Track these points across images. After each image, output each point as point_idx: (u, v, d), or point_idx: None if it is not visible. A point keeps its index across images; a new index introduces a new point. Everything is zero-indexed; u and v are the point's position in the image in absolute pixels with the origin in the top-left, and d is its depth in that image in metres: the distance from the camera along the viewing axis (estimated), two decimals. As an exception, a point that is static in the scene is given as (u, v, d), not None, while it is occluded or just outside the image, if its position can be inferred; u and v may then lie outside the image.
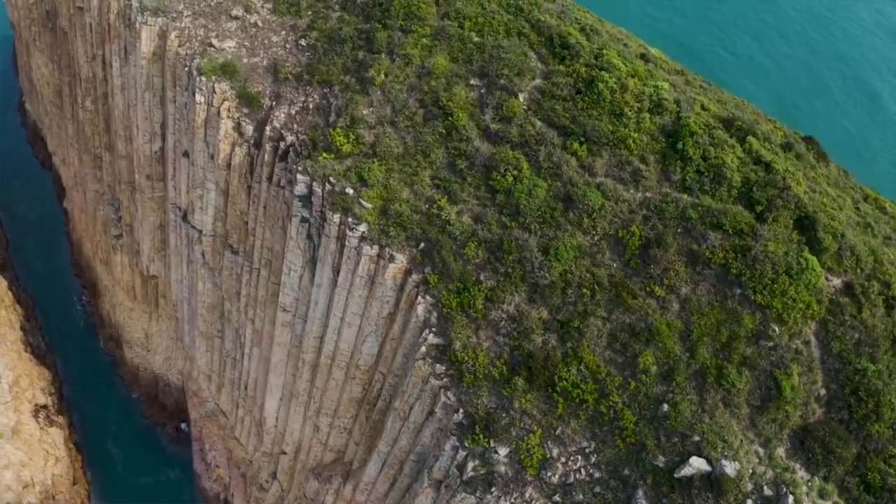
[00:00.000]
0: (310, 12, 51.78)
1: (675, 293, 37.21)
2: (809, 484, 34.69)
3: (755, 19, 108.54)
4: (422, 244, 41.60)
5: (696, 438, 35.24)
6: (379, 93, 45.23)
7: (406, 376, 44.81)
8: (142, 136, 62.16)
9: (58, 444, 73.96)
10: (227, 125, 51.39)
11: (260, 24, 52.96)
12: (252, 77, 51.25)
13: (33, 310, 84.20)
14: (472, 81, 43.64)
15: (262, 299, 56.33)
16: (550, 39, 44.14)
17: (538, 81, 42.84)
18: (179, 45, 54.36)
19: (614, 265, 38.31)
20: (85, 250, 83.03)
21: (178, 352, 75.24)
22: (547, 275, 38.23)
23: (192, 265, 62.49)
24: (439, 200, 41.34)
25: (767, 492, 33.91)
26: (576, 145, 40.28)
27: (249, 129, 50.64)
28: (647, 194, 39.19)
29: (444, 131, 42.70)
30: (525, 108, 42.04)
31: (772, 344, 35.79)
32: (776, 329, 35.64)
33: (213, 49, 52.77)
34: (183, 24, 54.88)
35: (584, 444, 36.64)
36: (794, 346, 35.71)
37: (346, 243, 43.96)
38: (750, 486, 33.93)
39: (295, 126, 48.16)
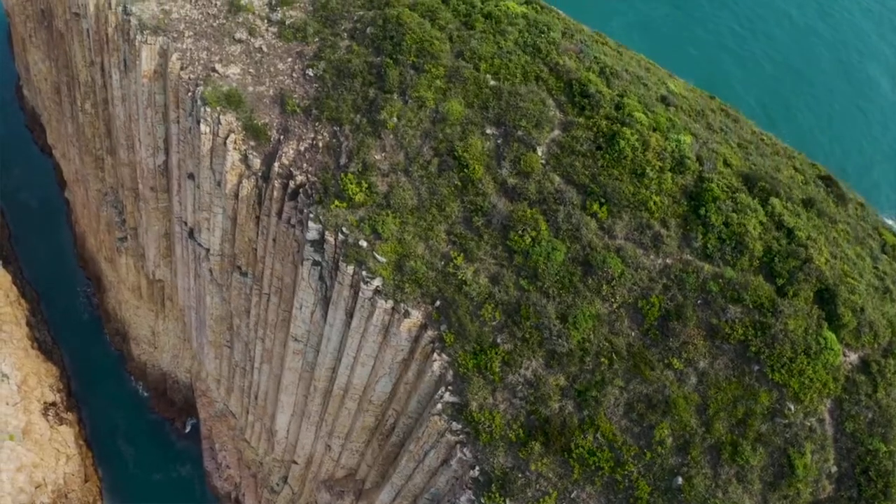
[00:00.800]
0: (317, 39, 50.00)
1: (693, 366, 37.19)
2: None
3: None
4: (437, 301, 41.28)
5: (710, 512, 35.80)
6: (391, 137, 44.11)
7: (420, 422, 45.14)
8: (144, 150, 60.91)
9: (68, 442, 74.89)
10: (233, 157, 50.30)
11: (265, 49, 51.20)
12: (258, 107, 49.87)
13: (38, 303, 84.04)
14: (488, 130, 42.48)
15: (273, 322, 56.20)
16: (570, 86, 42.75)
17: (557, 133, 41.73)
18: (182, 68, 52.72)
19: (633, 334, 38.14)
20: (88, 244, 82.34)
21: (186, 351, 75.53)
22: (565, 343, 38.09)
23: (199, 279, 62.14)
24: (455, 258, 40.82)
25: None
26: (595, 206, 39.56)
27: (257, 163, 49.57)
28: (668, 261, 38.71)
29: (459, 183, 41.84)
30: (543, 162, 41.09)
31: (787, 422, 36.01)
32: (792, 407, 35.81)
33: (216, 75, 51.21)
34: (185, 46, 53.09)
35: (600, 510, 37.22)
36: (809, 424, 35.95)
37: (360, 293, 43.59)
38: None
39: (304, 165, 47.12)
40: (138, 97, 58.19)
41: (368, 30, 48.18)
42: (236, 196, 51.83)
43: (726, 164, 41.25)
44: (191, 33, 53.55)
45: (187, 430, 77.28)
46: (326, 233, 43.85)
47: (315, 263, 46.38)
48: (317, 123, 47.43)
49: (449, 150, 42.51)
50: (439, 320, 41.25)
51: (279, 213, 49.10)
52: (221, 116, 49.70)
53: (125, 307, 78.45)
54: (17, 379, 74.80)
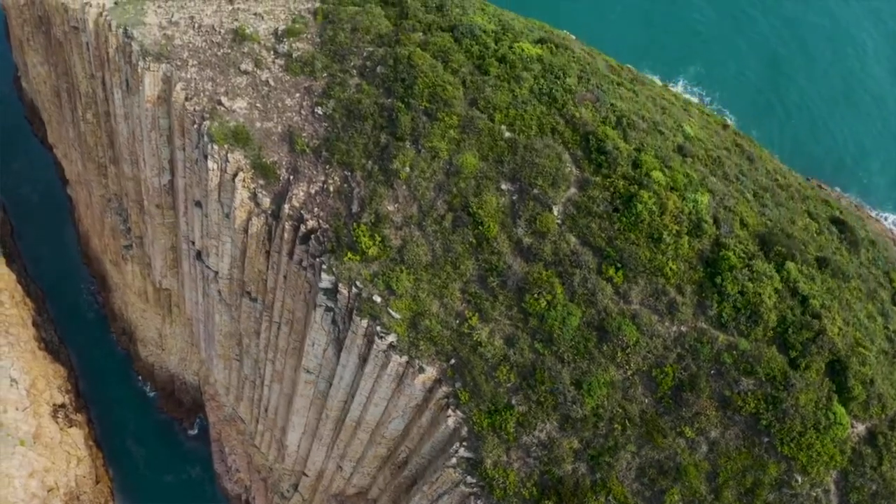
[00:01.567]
0: (325, 74, 49.02)
1: (705, 435, 37.81)
2: None
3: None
4: (452, 360, 41.58)
5: (719, 576, 36.90)
6: (404, 187, 43.71)
7: (434, 468, 45.91)
8: (149, 170, 60.27)
9: (78, 443, 75.92)
10: (242, 194, 49.89)
11: (272, 82, 50.22)
12: (266, 145, 49.22)
13: (43, 301, 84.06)
14: (503, 186, 42.11)
15: (283, 348, 56.55)
16: (586, 139, 42.21)
17: (573, 191, 41.40)
18: (186, 99, 51.86)
19: (646, 401, 38.63)
20: (93, 244, 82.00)
21: (194, 355, 76.04)
22: (579, 409, 38.59)
23: (207, 297, 62.23)
24: (470, 318, 40.97)
25: None
26: (611, 271, 39.56)
27: (266, 201, 49.18)
28: (683, 328, 38.93)
29: (474, 241, 41.69)
30: (559, 222, 40.89)
31: (793, 492, 36.84)
32: (799, 479, 36.60)
33: (222, 108, 50.41)
34: (189, 75, 52.08)
35: (611, 569, 38.31)
36: (815, 495, 36.82)
37: (374, 345, 43.84)
38: None
39: (315, 209, 46.76)
40: (142, 120, 57.30)
41: (379, 68, 47.22)
42: (245, 231, 51.57)
43: (743, 224, 41.09)
44: (195, 62, 52.45)
45: (195, 431, 78.19)
46: (340, 284, 43.84)
47: (328, 309, 46.49)
48: (327, 166, 46.90)
49: (463, 206, 42.21)
50: (454, 377, 41.65)
51: (290, 254, 48.95)
52: (229, 154, 49.10)
53: (131, 309, 78.63)
54: (26, 383, 75.40)
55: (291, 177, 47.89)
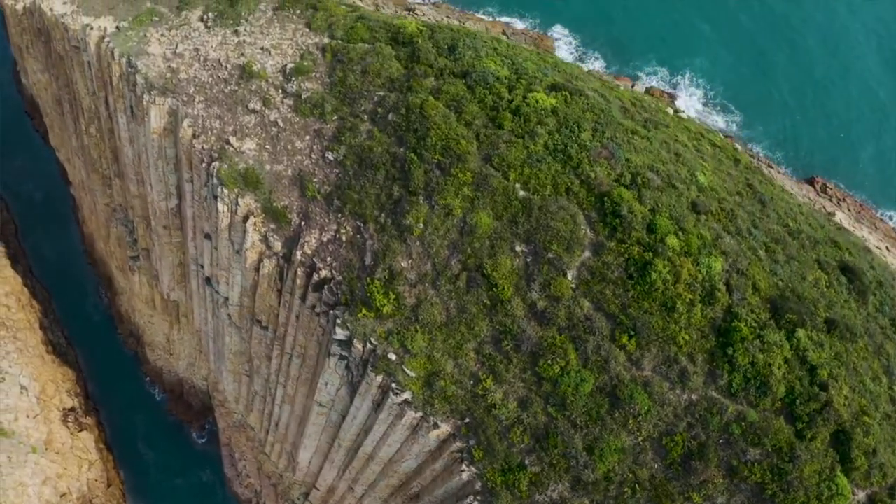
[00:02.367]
0: (335, 117, 48.53)
1: (712, 501, 38.87)
2: None
3: None
4: (466, 419, 42.34)
5: None
6: (418, 244, 43.79)
7: (446, 512, 47.21)
8: (156, 194, 60.06)
9: (89, 447, 77.26)
10: (253, 237, 49.91)
11: (281, 123, 49.74)
12: (277, 188, 49.04)
13: (49, 302, 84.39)
14: (517, 247, 42.24)
15: (295, 376, 57.23)
16: (601, 200, 42.22)
17: (588, 255, 41.58)
18: (194, 136, 51.45)
19: (656, 466, 39.56)
20: (98, 248, 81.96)
21: (203, 361, 76.80)
22: (591, 474, 39.55)
23: (217, 318, 62.64)
24: (484, 380, 41.60)
25: None
26: (625, 339, 40.07)
27: (278, 245, 49.25)
28: (693, 397, 39.64)
29: (488, 302, 42.03)
30: (573, 287, 41.18)
31: (797, 559, 38.17)
32: (802, 546, 37.85)
33: (231, 149, 50.02)
34: (196, 112, 51.56)
35: None
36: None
37: (389, 399, 44.51)
38: None
39: (328, 258, 46.87)
40: (148, 148, 56.87)
41: (390, 116, 46.77)
42: (257, 270, 51.72)
43: (755, 288, 41.45)
44: (201, 98, 51.83)
45: (205, 438, 79.44)
46: (355, 340, 44.28)
47: (342, 357, 47.03)
48: (339, 215, 46.86)
49: (477, 266, 42.41)
50: (468, 435, 42.48)
51: (303, 298, 49.22)
52: (240, 199, 48.96)
53: (138, 314, 79.06)
54: (36, 390, 76.33)
55: (303, 222, 47.87)
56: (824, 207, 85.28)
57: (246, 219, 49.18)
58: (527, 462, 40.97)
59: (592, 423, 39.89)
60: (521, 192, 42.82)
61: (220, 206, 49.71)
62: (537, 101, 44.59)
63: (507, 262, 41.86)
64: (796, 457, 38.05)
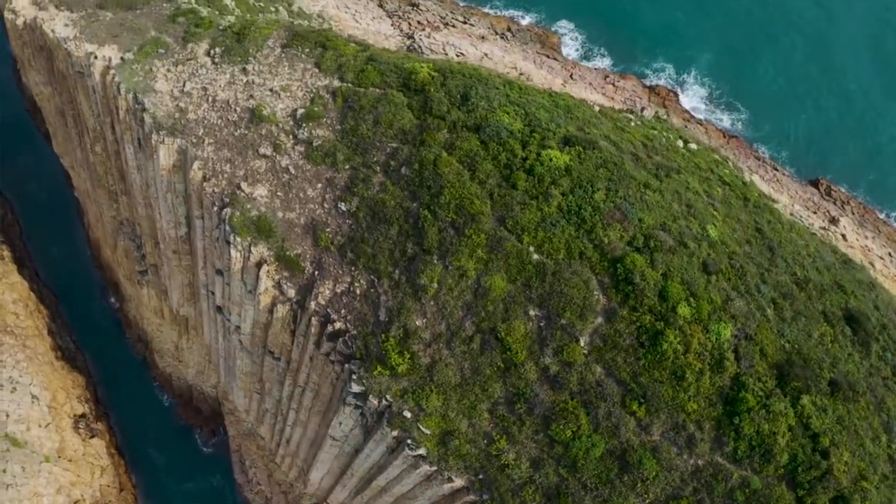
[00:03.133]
0: (347, 167, 48.40)
1: (717, 565, 40.30)
2: None
3: None
4: (480, 475, 43.42)
5: None
6: (432, 303, 44.24)
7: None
8: (165, 222, 60.12)
9: (101, 453, 78.70)
10: (267, 283, 50.23)
11: (292, 170, 49.60)
12: (290, 236, 49.19)
13: (57, 306, 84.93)
14: (531, 311, 42.75)
15: (308, 406, 58.11)
16: (614, 266, 42.64)
17: (600, 321, 42.15)
18: (205, 179, 51.31)
19: (663, 529, 40.89)
20: (104, 255, 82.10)
21: (213, 370, 77.70)
22: (600, 535, 40.88)
23: (228, 341, 63.26)
24: (498, 440, 42.56)
25: None
26: (635, 406, 40.94)
27: (292, 292, 49.63)
28: (700, 462, 40.69)
29: (502, 365, 42.74)
30: (586, 353, 41.85)
31: None
32: None
33: (243, 194, 49.97)
34: (205, 154, 51.38)
35: None
36: None
37: (404, 450, 45.49)
38: None
39: (343, 311, 47.31)
40: (157, 182, 56.72)
41: (403, 169, 46.71)
42: (270, 312, 52.16)
43: (762, 353, 42.19)
44: (211, 140, 51.56)
45: (214, 441, 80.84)
46: (370, 395, 45.07)
47: (357, 406, 47.88)
48: (353, 268, 47.16)
49: (491, 329, 42.98)
50: (481, 490, 43.65)
51: (317, 344, 49.80)
52: (253, 247, 49.14)
53: (146, 322, 79.65)
54: (47, 399, 77.35)
55: (317, 272, 48.17)
56: (828, 212, 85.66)
57: (259, 266, 49.46)
58: (539, 521, 42.26)
59: (602, 485, 41.03)
60: (535, 256, 43.14)
61: (233, 252, 49.92)
62: (551, 160, 44.54)
63: (520, 326, 42.43)
64: (799, 524, 39.48)
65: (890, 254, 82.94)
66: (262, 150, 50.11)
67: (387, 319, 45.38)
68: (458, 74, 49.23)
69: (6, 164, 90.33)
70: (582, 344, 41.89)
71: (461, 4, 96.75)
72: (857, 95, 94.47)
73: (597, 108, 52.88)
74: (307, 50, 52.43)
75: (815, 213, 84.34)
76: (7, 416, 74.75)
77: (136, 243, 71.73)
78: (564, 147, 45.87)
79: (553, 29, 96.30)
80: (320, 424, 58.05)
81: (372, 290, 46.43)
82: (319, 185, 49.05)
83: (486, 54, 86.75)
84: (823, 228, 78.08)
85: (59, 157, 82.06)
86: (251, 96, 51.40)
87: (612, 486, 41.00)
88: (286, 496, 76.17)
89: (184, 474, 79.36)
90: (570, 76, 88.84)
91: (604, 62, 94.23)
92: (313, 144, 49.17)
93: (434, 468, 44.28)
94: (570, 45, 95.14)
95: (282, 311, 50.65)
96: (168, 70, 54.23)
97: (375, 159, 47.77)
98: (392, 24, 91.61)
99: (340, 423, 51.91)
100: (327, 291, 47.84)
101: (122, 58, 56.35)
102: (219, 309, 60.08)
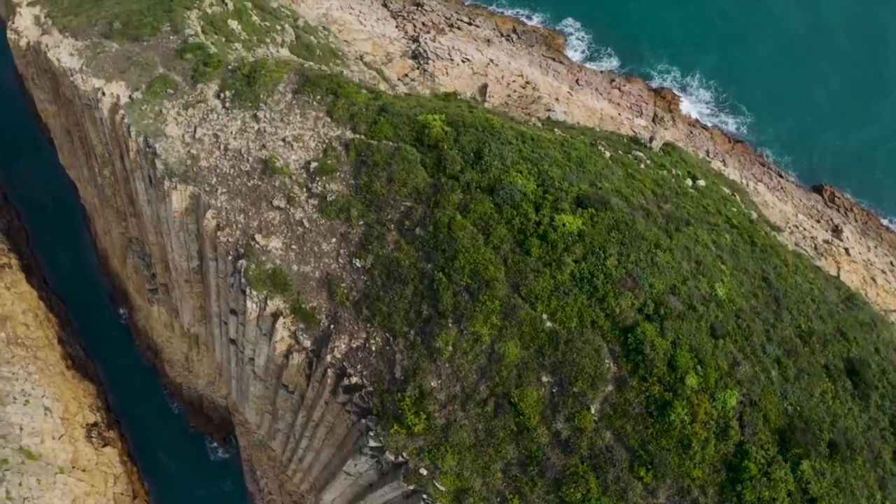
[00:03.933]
0: (361, 223, 48.79)
1: None
2: None
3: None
4: (492, 530, 45.12)
5: None
6: (447, 366, 45.23)
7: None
8: (177, 255, 60.63)
9: (114, 462, 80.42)
10: (283, 333, 51.03)
11: (306, 223, 49.97)
12: (305, 289, 49.85)
13: (66, 313, 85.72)
14: (543, 378, 43.82)
15: (321, 437, 59.41)
16: (625, 334, 43.63)
17: (611, 389, 43.28)
18: (219, 228, 51.68)
19: (668, 587, 42.70)
20: (113, 264, 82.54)
21: (224, 382, 78.96)
22: None
23: (240, 368, 64.30)
24: (510, 500, 44.02)
25: None
26: (643, 471, 42.32)
27: (308, 342, 50.49)
28: (704, 527, 42.37)
29: (515, 428, 43.95)
30: (596, 419, 43.06)
31: None
32: None
33: (257, 246, 50.43)
34: (219, 203, 51.67)
35: None
36: None
37: (419, 499, 47.02)
38: None
39: (359, 366, 48.26)
40: (169, 221, 57.01)
41: (417, 230, 47.17)
42: (286, 357, 53.06)
43: (766, 419, 43.54)
44: (224, 190, 51.78)
45: (226, 449, 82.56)
46: (387, 451, 46.36)
47: (373, 456, 49.23)
48: (368, 324, 47.94)
49: (504, 394, 44.09)
50: (494, 542, 45.35)
51: (333, 393, 50.85)
52: (269, 300, 49.81)
53: (156, 333, 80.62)
54: (60, 410, 78.75)
55: (332, 325, 48.98)
56: (831, 220, 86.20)
57: (275, 317, 50.24)
58: (550, 576, 43.99)
59: (611, 547, 42.75)
60: (548, 324, 44.04)
61: (249, 303, 50.63)
62: (564, 225, 45.08)
63: (533, 392, 43.56)
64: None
65: (892, 263, 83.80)
66: (275, 202, 50.42)
67: (402, 378, 46.42)
68: (471, 128, 49.32)
69: (10, 169, 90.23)
70: (593, 411, 43.10)
71: (466, 4, 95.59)
72: (866, 99, 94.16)
73: (608, 155, 53.02)
74: (318, 97, 52.31)
75: (818, 221, 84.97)
76: (21, 429, 76.22)
77: (146, 262, 72.21)
78: (577, 209, 46.36)
79: (559, 28, 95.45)
80: (334, 454, 59.49)
81: (387, 348, 47.36)
82: (334, 240, 49.53)
83: (491, 60, 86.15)
84: (826, 242, 78.81)
85: (66, 169, 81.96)
86: (263, 146, 51.47)
87: (620, 547, 42.70)
88: (297, 505, 78.31)
89: (195, 481, 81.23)
90: (577, 81, 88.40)
91: (610, 63, 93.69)
92: (327, 199, 49.50)
93: (449, 520, 45.89)
94: (576, 46, 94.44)
95: (297, 358, 51.61)
96: (178, 113, 54.10)
97: (390, 217, 48.19)
98: (397, 26, 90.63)
99: (356, 465, 53.35)
100: (343, 345, 48.74)
101: (130, 96, 56.11)
102: (232, 341, 60.99)
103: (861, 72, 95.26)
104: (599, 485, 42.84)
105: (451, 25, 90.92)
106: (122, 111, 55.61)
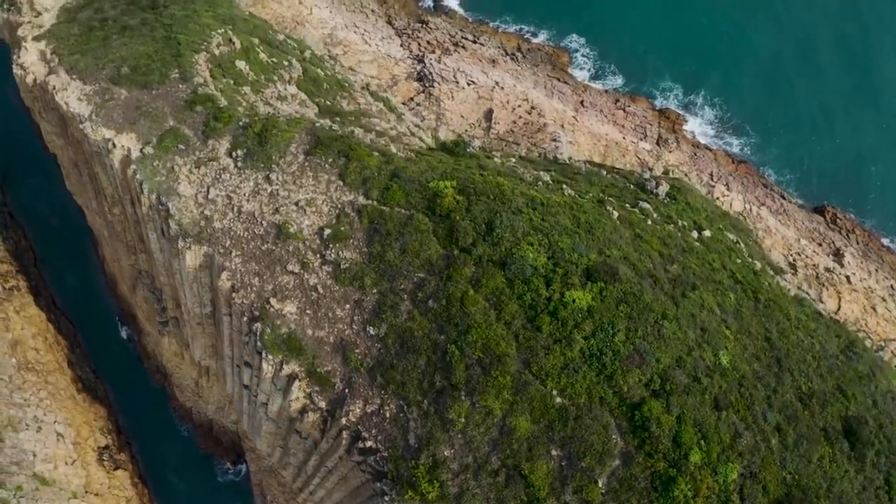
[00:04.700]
0: (375, 291, 49.59)
1: None
2: None
3: None
4: None
5: None
6: (460, 437, 46.47)
7: None
8: (190, 301, 61.40)
9: (125, 484, 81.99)
10: (298, 394, 52.11)
11: (320, 289, 50.76)
12: (320, 353, 50.82)
13: (75, 335, 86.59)
14: (553, 451, 45.11)
15: (334, 482, 60.83)
16: (632, 410, 44.85)
17: (618, 463, 44.61)
18: (234, 290, 52.42)
19: None
20: (121, 290, 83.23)
21: (234, 409, 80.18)
22: None
23: (253, 408, 65.45)
24: (521, 568, 45.66)
25: None
26: (649, 546, 43.91)
27: (323, 403, 51.62)
28: None
29: (525, 498, 45.36)
30: (603, 492, 44.44)
31: None
32: None
33: (272, 309, 51.24)
34: (233, 266, 52.38)
35: None
36: None
37: (431, 563, 48.65)
38: None
39: (374, 430, 49.43)
40: (182, 273, 57.66)
41: (430, 302, 48.04)
42: (301, 414, 54.17)
43: (765, 490, 45.07)
44: (238, 252, 52.45)
45: (236, 472, 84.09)
46: (401, 517, 47.95)
47: (386, 511, 50.78)
48: (382, 391, 49.04)
49: (515, 466, 45.38)
50: None
51: (348, 451, 52.08)
52: (284, 364, 50.79)
53: (165, 358, 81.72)
54: (72, 435, 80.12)
55: (347, 390, 50.05)
56: (833, 243, 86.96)
57: (290, 379, 51.31)
58: None
59: None
60: (558, 400, 45.23)
61: (265, 364, 51.66)
62: (574, 301, 46.00)
63: (543, 465, 44.90)
64: None
65: (892, 286, 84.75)
66: (289, 267, 51.15)
67: (416, 446, 47.69)
68: (482, 196, 49.92)
69: (16, 186, 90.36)
70: (600, 484, 44.51)
71: (470, 21, 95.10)
72: (870, 118, 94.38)
73: (616, 216, 53.70)
74: (330, 160, 52.72)
75: (820, 245, 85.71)
76: (34, 455, 77.62)
77: (157, 296, 72.94)
78: (587, 282, 47.24)
79: (563, 44, 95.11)
80: (347, 497, 61.01)
81: (401, 415, 48.54)
82: (348, 306, 50.37)
83: (497, 83, 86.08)
84: (828, 271, 79.68)
85: (73, 195, 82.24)
86: (277, 210, 52.02)
87: None
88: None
89: (206, 502, 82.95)
90: (581, 103, 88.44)
91: (615, 81, 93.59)
92: (341, 266, 50.26)
93: (461, 584, 47.50)
94: (581, 63, 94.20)
95: (313, 416, 52.81)
96: (190, 171, 54.49)
97: (403, 287, 49.02)
98: (401, 45, 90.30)
99: (367, 514, 54.98)
100: (358, 409, 49.89)
101: (141, 150, 56.42)
102: (245, 386, 62.07)
103: (866, 87, 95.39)
104: (607, 556, 44.50)
105: (456, 44, 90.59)
106: (133, 166, 55.99)
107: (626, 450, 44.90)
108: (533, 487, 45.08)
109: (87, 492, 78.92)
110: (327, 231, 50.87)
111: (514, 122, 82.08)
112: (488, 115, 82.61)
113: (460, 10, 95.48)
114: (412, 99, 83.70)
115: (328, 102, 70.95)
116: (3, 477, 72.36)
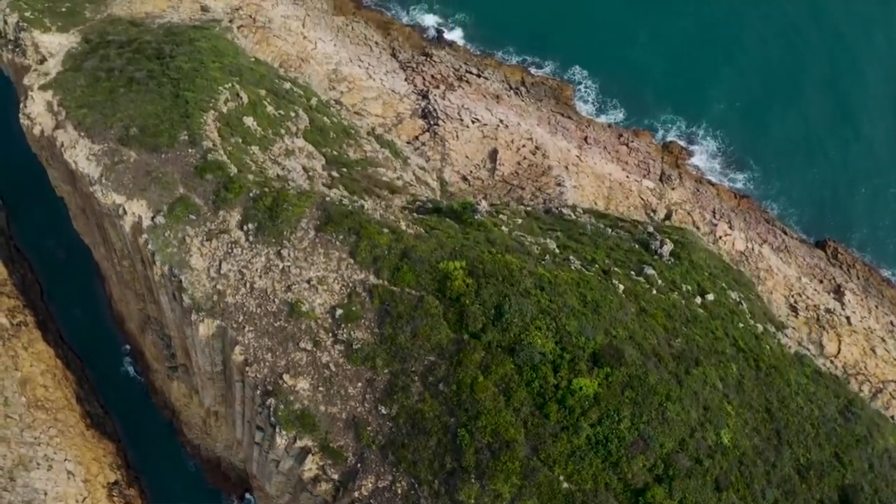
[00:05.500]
0: (387, 371, 50.64)
1: None
2: None
3: None
4: None
5: None
6: (470, 521, 47.86)
7: None
8: (201, 360, 62.30)
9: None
10: (311, 465, 53.29)
11: (333, 367, 51.78)
12: (332, 429, 51.96)
13: (83, 370, 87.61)
14: (560, 538, 46.53)
15: (342, 534, 62.35)
16: (637, 496, 46.20)
17: (623, 550, 46.08)
18: (247, 364, 53.41)
19: None
20: (129, 328, 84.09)
21: (243, 448, 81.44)
22: None
23: (264, 460, 66.63)
24: None
25: None
26: None
27: (335, 476, 52.82)
28: None
29: (534, 582, 46.87)
30: (609, 579, 45.96)
31: None
32: None
33: (286, 385, 52.28)
34: (246, 341, 53.32)
35: None
36: None
37: None
38: None
39: (384, 506, 50.74)
40: (194, 340, 58.58)
41: (441, 386, 49.14)
42: (314, 482, 55.39)
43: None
44: (251, 328, 53.34)
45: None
46: (412, 592, 49.37)
47: (399, 583, 52.20)
48: (394, 469, 50.28)
49: (524, 551, 46.85)
50: None
51: (358, 518, 53.52)
52: (298, 440, 51.94)
53: (174, 397, 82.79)
54: (82, 474, 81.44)
55: (360, 465, 51.25)
56: (834, 279, 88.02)
57: (303, 452, 52.51)
58: None
59: None
60: (565, 485, 46.53)
61: (278, 439, 52.81)
62: (581, 389, 47.19)
63: (551, 553, 46.35)
64: None
65: (892, 322, 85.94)
66: (302, 345, 52.11)
67: (427, 524, 49.11)
68: (492, 278, 50.83)
69: (21, 219, 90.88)
70: (607, 573, 46.02)
71: (473, 52, 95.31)
72: (873, 151, 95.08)
73: (621, 289, 54.70)
74: (341, 237, 53.50)
75: (821, 282, 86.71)
76: (46, 494, 78.96)
77: (166, 342, 73.86)
78: (593, 368, 48.37)
79: (567, 77, 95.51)
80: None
81: (412, 492, 49.84)
82: (360, 385, 51.42)
83: (501, 121, 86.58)
84: (829, 312, 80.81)
85: (80, 234, 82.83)
86: (289, 288, 52.88)
87: None
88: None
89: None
90: (585, 139, 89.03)
91: (617, 115, 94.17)
92: (353, 346, 51.24)
93: None
94: (585, 96, 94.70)
95: (325, 486, 54.09)
96: (202, 243, 55.22)
97: (414, 369, 50.08)
98: (406, 79, 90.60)
99: (379, 577, 56.39)
100: (370, 484, 51.16)
101: (153, 219, 57.04)
102: (257, 443, 63.24)
103: (870, 122, 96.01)
104: None
105: (461, 78, 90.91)
106: (145, 235, 56.68)
107: (631, 537, 46.42)
108: (541, 571, 46.61)
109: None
110: (339, 311, 51.81)
111: (519, 163, 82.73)
112: (493, 155, 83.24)
113: (464, 43, 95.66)
114: (417, 138, 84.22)
115: (335, 152, 71.51)
116: (16, 520, 73.70)
